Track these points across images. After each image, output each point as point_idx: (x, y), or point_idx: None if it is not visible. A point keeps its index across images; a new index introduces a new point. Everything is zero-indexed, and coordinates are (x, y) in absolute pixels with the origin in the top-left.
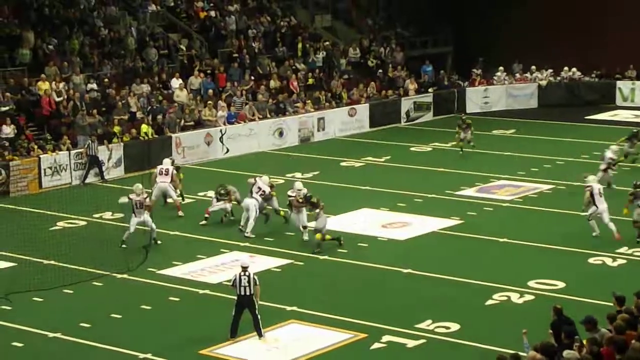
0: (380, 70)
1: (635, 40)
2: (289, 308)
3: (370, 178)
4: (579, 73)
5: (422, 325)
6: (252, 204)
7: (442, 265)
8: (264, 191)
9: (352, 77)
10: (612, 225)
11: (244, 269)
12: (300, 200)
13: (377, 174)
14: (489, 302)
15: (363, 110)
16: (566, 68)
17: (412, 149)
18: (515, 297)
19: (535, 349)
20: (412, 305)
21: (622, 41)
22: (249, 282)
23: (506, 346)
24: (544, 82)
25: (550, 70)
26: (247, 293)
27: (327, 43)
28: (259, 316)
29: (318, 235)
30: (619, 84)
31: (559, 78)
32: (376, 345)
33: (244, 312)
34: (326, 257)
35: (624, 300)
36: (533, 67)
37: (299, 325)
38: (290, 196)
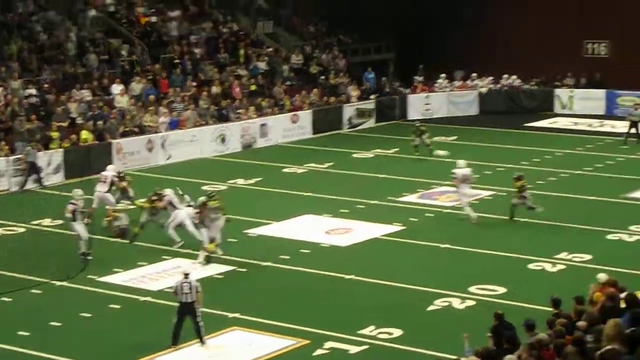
0: (323, 77)
1: (573, 49)
2: (231, 315)
3: (313, 184)
4: (518, 81)
5: (365, 332)
6: (182, 215)
7: (384, 271)
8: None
9: (295, 83)
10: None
11: (186, 275)
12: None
13: (320, 180)
14: (431, 307)
15: (306, 116)
16: (505, 75)
17: (354, 155)
18: (456, 303)
19: (476, 354)
20: (355, 311)
21: (561, 50)
22: (190, 289)
23: (448, 351)
24: (484, 90)
25: (491, 78)
26: (189, 300)
27: (270, 49)
28: (201, 323)
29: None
30: (558, 91)
31: (499, 85)
32: (319, 352)
33: (186, 319)
34: (269, 263)
35: (559, 302)
36: (474, 75)
37: (242, 332)
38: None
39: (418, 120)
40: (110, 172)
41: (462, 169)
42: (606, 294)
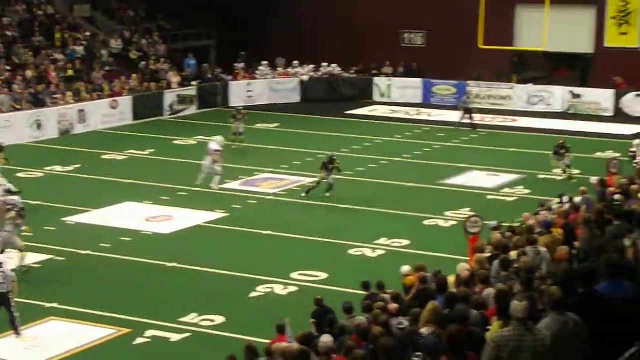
0: (143, 63)
1: (391, 39)
2: (48, 305)
3: (134, 171)
4: (338, 69)
5: (186, 319)
6: None
7: (206, 259)
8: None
9: (114, 68)
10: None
11: (0, 265)
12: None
13: (141, 167)
14: (253, 294)
15: (126, 102)
16: (325, 64)
17: (175, 142)
18: (279, 289)
19: (297, 339)
20: (177, 299)
21: (379, 39)
22: (5, 278)
23: (271, 337)
24: (305, 77)
25: (312, 66)
26: (3, 290)
27: (87, 34)
28: (16, 314)
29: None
30: (376, 80)
31: (319, 73)
32: (140, 340)
33: (1, 310)
34: (88, 252)
35: (369, 285)
36: (296, 62)
37: (60, 322)
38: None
39: (241, 106)
40: None
41: (212, 143)
42: (418, 277)
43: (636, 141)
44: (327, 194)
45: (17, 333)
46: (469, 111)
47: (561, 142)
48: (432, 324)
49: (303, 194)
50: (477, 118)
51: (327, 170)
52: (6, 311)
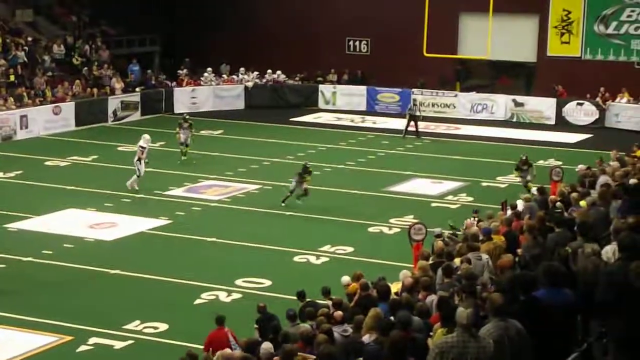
0: (86, 68)
1: (336, 46)
2: None
3: (77, 178)
4: (283, 76)
5: (129, 326)
6: None
7: (150, 266)
8: None
9: (57, 74)
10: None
11: None
12: None
13: (84, 173)
14: (198, 301)
15: (68, 108)
16: (270, 71)
17: (119, 148)
18: (223, 296)
19: (240, 346)
20: (120, 306)
21: (324, 46)
22: None
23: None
24: (250, 84)
25: (256, 73)
26: None
27: (30, 39)
28: None
29: None
30: (321, 87)
31: (264, 80)
32: (83, 348)
33: None
34: (30, 258)
35: (303, 295)
36: (242, 69)
37: (0, 330)
38: None
39: (186, 113)
40: None
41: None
42: (360, 284)
43: None
44: (299, 201)
45: None
46: (414, 118)
47: (524, 157)
48: (374, 330)
49: (282, 204)
50: (422, 126)
51: (299, 178)
52: None
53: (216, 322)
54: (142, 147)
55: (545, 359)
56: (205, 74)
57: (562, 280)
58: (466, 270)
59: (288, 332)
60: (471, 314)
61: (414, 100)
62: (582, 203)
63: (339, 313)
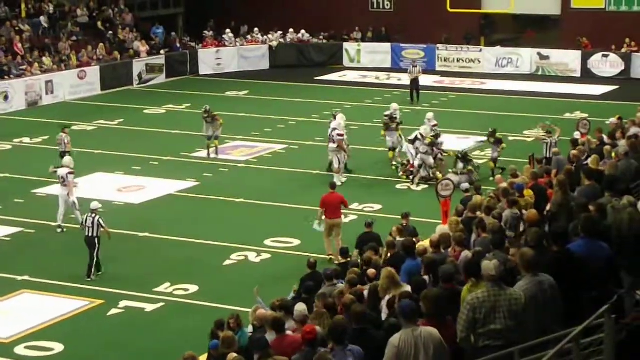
0: (110, 32)
1: (359, 3)
2: (20, 278)
3: (103, 142)
4: (307, 35)
5: (160, 289)
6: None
7: (179, 228)
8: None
9: (81, 38)
10: None
11: None
12: None
13: (111, 137)
14: (227, 262)
15: (93, 72)
16: (292, 30)
17: (145, 111)
18: (252, 257)
19: (272, 307)
20: (150, 269)
21: (348, 4)
22: None
23: (245, 305)
24: (274, 44)
25: (280, 32)
26: None
27: (53, 4)
28: None
29: None
30: (346, 45)
31: (288, 39)
32: (114, 311)
33: None
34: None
35: (347, 252)
36: (256, 29)
37: (32, 295)
38: None
39: (206, 106)
40: None
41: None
42: (386, 243)
43: None
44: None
45: None
46: (414, 81)
47: (491, 130)
48: (390, 290)
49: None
50: (447, 81)
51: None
52: None
53: (330, 186)
54: (69, 174)
55: (577, 310)
56: (229, 35)
57: (600, 232)
58: (493, 224)
59: (324, 293)
60: (498, 265)
61: (415, 61)
62: (613, 155)
63: (372, 271)
